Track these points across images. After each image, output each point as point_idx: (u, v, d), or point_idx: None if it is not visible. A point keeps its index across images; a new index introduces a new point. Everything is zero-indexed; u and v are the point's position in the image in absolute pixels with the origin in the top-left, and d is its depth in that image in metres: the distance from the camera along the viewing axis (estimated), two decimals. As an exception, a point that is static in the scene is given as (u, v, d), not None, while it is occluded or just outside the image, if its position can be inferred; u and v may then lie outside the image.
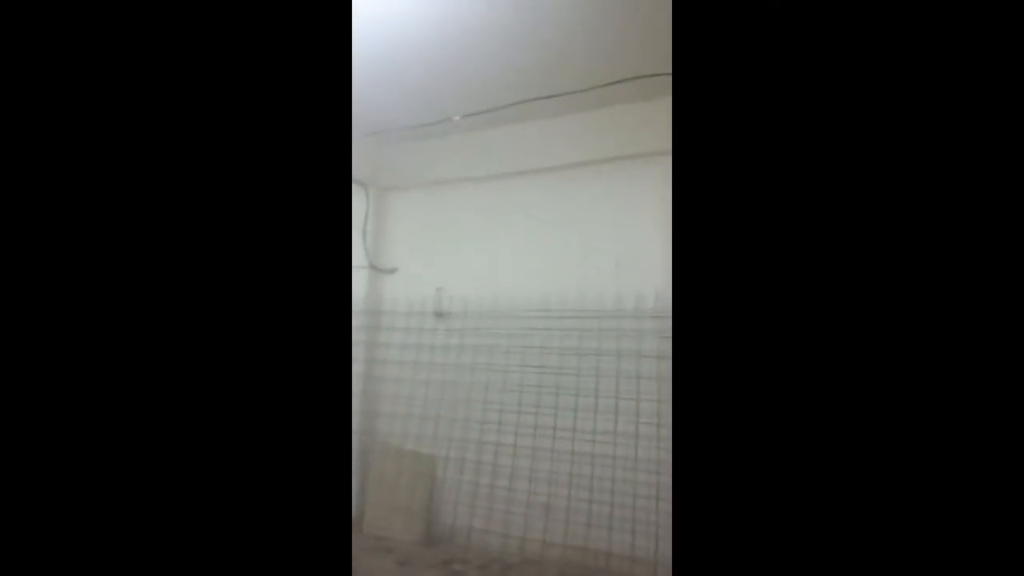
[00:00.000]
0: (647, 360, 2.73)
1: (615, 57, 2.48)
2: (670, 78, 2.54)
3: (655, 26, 2.21)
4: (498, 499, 2.98)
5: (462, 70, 2.64)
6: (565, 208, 3.13)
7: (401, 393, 3.35)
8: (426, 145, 3.52)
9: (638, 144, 2.89)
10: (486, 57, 2.52)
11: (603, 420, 2.78)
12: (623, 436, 2.72)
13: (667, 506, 2.55)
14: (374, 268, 3.58)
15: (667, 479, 2.58)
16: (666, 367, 2.68)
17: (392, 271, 3.61)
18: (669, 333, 2.68)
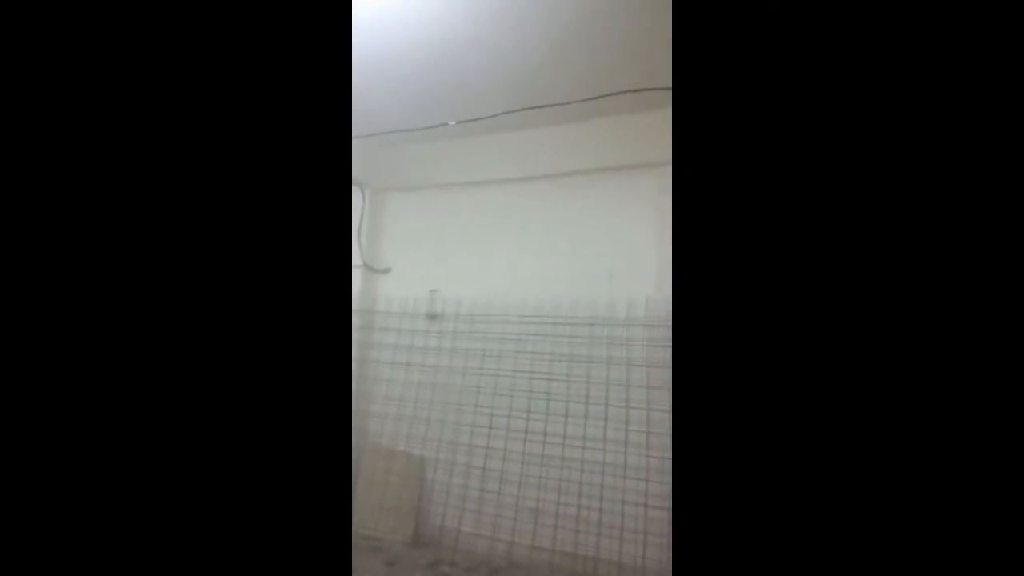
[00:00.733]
0: (637, 368, 2.76)
1: (612, 69, 2.48)
2: (666, 92, 2.55)
3: (652, 39, 2.21)
4: (487, 502, 3.00)
5: (459, 76, 2.64)
6: (559, 215, 3.15)
7: (393, 394, 3.36)
8: (423, 148, 3.51)
9: (632, 155, 2.92)
10: (484, 65, 2.51)
11: (593, 427, 2.80)
12: (613, 443, 2.74)
13: (656, 513, 2.58)
14: (368, 267, 3.57)
15: (656, 487, 2.60)
16: (656, 375, 2.70)
17: (386, 271, 3.60)
18: (659, 342, 2.70)
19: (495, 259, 3.27)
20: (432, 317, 3.36)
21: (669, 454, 2.54)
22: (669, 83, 2.41)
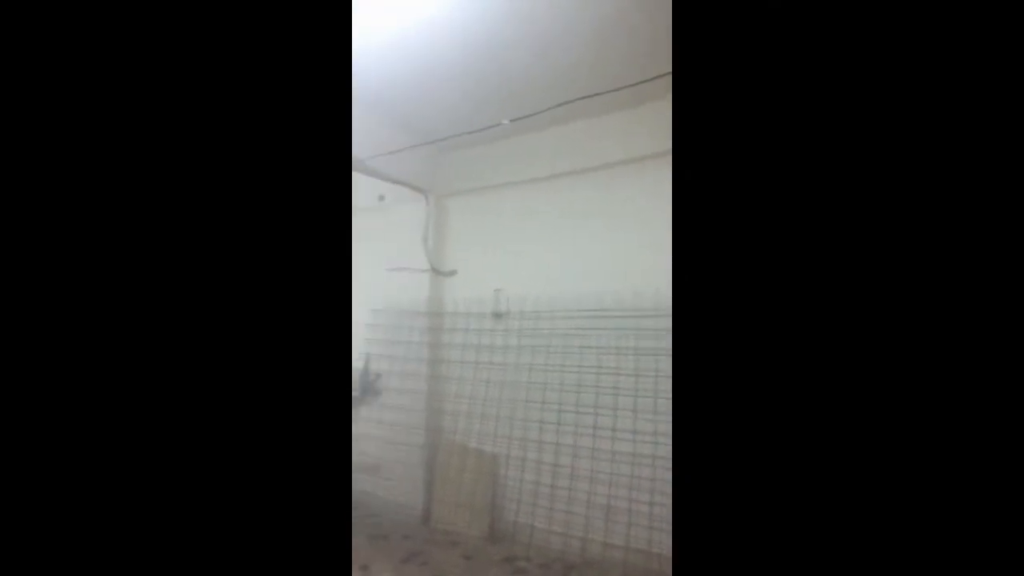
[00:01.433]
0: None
1: (656, 53, 2.39)
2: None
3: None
4: (559, 499, 2.99)
5: (507, 76, 2.67)
6: (611, 205, 3.07)
7: (464, 392, 3.45)
8: (479, 151, 3.58)
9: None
10: (529, 61, 2.52)
11: (664, 422, 2.71)
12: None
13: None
14: (435, 271, 3.70)
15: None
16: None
17: (451, 274, 3.71)
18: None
19: (555, 254, 3.25)
20: (498, 316, 3.41)
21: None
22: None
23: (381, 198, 3.96)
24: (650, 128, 2.89)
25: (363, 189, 3.84)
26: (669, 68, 2.48)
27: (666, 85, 2.60)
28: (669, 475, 2.64)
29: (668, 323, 2.74)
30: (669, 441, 2.66)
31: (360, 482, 3.75)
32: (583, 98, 2.72)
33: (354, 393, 3.83)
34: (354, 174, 3.25)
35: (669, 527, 2.61)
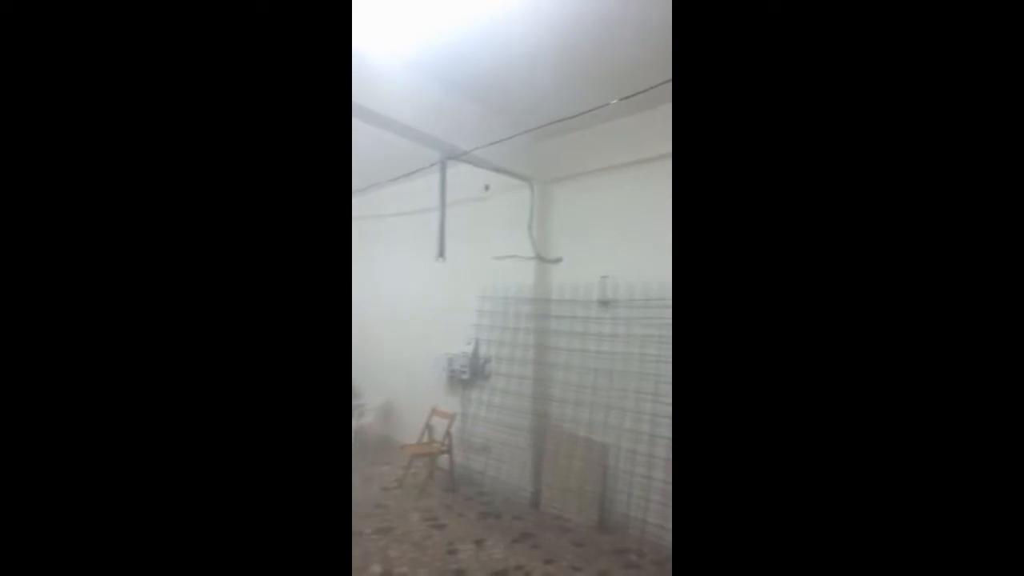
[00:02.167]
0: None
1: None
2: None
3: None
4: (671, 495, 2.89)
5: (609, 56, 2.53)
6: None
7: (571, 380, 3.43)
8: (579, 136, 3.47)
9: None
10: (631, 39, 2.36)
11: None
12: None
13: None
14: (540, 258, 3.69)
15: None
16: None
17: (557, 260, 3.67)
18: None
19: (665, 239, 3.08)
20: (605, 303, 3.33)
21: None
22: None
23: (487, 187, 4.00)
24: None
25: (469, 179, 3.91)
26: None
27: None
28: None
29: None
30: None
31: (472, 461, 3.91)
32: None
33: (464, 376, 3.98)
34: (460, 164, 3.31)
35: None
